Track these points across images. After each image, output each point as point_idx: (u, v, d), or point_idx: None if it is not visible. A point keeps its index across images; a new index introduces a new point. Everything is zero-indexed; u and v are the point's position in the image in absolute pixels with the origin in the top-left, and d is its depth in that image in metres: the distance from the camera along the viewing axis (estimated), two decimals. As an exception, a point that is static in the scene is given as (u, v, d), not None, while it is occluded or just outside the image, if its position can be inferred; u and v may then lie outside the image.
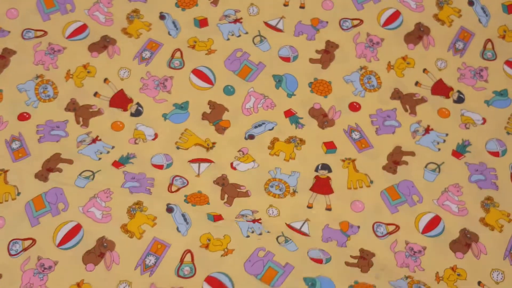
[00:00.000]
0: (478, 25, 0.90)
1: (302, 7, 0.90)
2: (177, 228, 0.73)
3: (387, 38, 0.89)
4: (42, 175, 0.77)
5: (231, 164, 0.80)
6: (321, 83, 0.86)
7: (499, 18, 0.90)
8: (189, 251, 0.72)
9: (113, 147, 0.79)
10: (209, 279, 0.70)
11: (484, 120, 0.84)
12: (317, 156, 0.81)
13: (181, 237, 0.73)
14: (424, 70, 0.87)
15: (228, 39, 0.86)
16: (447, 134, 0.83)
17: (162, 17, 0.88)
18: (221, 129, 0.82)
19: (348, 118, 0.84)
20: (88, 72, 0.84)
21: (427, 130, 0.83)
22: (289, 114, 0.84)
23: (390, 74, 0.87)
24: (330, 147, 0.82)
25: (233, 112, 0.83)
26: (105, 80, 0.83)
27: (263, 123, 0.83)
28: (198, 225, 0.74)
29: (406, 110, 0.84)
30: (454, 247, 0.75)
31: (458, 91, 0.86)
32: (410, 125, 0.83)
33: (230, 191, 0.77)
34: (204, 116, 0.82)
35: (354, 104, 0.85)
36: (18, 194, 0.75)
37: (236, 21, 0.88)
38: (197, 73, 0.84)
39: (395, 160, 0.81)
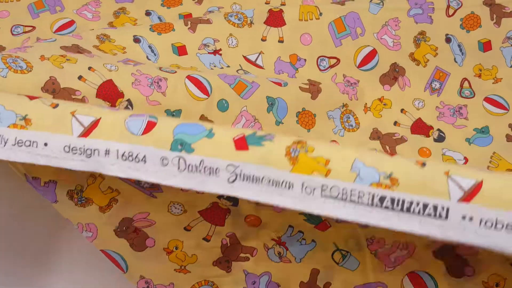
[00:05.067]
0: (454, 65, 0.86)
1: (280, 41, 0.84)
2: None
3: (362, 80, 0.85)
4: None
5: None
6: (307, 114, 0.82)
7: (474, 56, 0.86)
8: None
9: None
10: None
11: (466, 160, 0.83)
12: None
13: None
14: (402, 110, 0.86)
15: (211, 69, 0.80)
16: None
17: (136, 40, 0.78)
18: None
19: None
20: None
21: None
22: None
23: (368, 115, 0.85)
24: None
25: None
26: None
27: None
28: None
29: (386, 151, 0.83)
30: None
31: (439, 129, 0.85)
32: None
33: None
34: None
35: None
36: None
37: (216, 52, 0.81)
38: (193, 80, 0.73)
39: None
